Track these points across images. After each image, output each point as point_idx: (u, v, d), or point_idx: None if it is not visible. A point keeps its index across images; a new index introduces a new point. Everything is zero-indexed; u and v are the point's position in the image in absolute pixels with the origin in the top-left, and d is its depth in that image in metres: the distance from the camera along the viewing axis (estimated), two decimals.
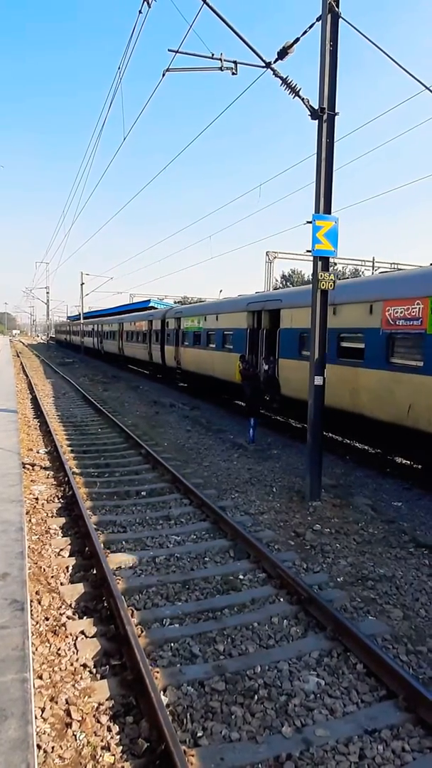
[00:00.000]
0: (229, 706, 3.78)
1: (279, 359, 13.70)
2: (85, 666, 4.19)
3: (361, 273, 47.62)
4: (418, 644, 4.66)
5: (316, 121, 8.06)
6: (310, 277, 8.64)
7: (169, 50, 8.25)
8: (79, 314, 55.10)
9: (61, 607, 5.06)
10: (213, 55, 8.28)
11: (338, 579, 5.85)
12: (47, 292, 66.14)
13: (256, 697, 3.88)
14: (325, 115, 7.97)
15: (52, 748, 3.32)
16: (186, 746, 3.37)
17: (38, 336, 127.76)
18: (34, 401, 18.52)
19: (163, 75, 8.65)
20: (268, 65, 8.08)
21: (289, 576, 5.48)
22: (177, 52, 8.24)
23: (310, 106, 8.02)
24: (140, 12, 8.77)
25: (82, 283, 50.13)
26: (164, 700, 3.74)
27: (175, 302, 48.03)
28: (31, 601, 4.99)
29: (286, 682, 4.05)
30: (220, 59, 8.28)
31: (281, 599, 5.32)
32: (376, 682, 4.08)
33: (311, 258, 8.41)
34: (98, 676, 4.09)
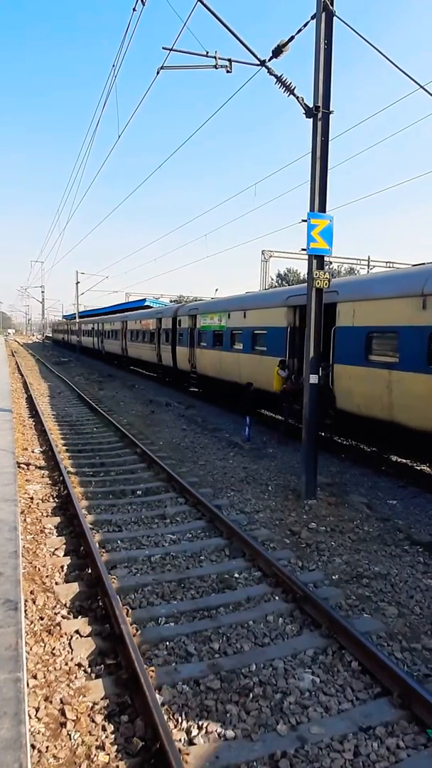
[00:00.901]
0: (225, 705, 3.78)
1: (334, 365, 11.14)
2: (79, 665, 4.18)
3: (356, 271, 47.69)
4: (413, 641, 4.67)
5: (311, 120, 8.06)
6: (305, 276, 8.63)
7: (164, 48, 8.24)
8: (74, 314, 54.92)
9: (55, 606, 5.04)
10: (207, 53, 8.26)
11: (333, 577, 5.85)
12: (42, 291, 65.86)
13: (251, 695, 3.88)
14: (319, 114, 7.97)
15: (47, 747, 3.31)
16: (181, 745, 3.36)
17: (33, 335, 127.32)
18: (29, 400, 18.46)
19: (158, 73, 8.63)
20: (262, 63, 8.08)
21: (285, 574, 5.49)
22: (171, 49, 8.22)
23: (304, 104, 8.01)
24: (134, 10, 8.75)
25: (78, 282, 49.98)
26: (159, 698, 3.73)
27: (170, 301, 47.92)
28: (26, 600, 4.98)
29: (281, 680, 4.05)
30: (215, 57, 8.27)
31: (276, 597, 5.32)
32: (371, 679, 4.09)
33: (306, 257, 8.41)
34: (93, 675, 4.08)
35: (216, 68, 8.32)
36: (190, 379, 21.31)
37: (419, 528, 7.54)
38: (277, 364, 12.64)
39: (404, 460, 11.47)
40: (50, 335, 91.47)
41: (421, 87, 7.97)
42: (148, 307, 38.28)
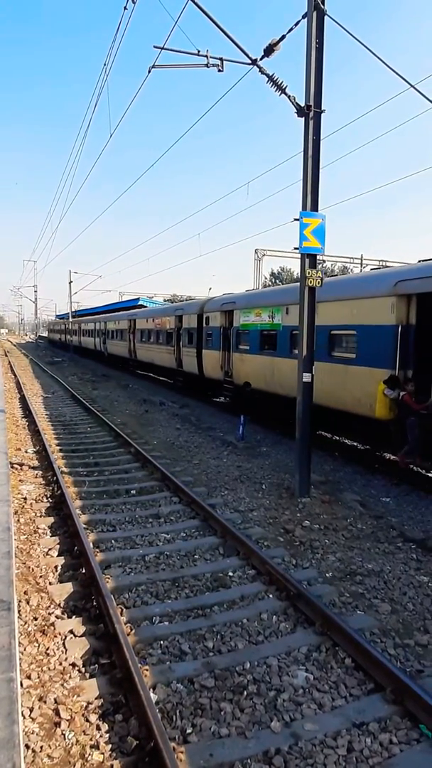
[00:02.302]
0: (219, 703, 3.79)
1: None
2: (73, 665, 4.17)
3: (349, 270, 47.79)
4: (406, 637, 4.70)
5: (303, 119, 8.08)
6: (299, 274, 8.65)
7: (155, 47, 8.23)
8: (67, 313, 54.70)
9: (49, 606, 5.03)
10: (199, 51, 8.27)
11: (327, 574, 5.88)
12: (35, 291, 65.73)
13: (245, 692, 3.90)
14: (311, 113, 7.99)
15: (41, 747, 3.31)
16: (175, 743, 3.37)
17: (26, 335, 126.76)
18: (23, 400, 18.40)
19: (149, 71, 8.62)
20: (254, 62, 8.09)
21: (279, 572, 5.50)
22: (163, 48, 8.22)
23: (296, 103, 8.03)
24: (125, 8, 8.73)
25: (71, 282, 49.84)
26: (153, 697, 3.74)
27: (164, 300, 47.85)
28: (20, 601, 4.97)
29: (275, 678, 4.07)
30: (206, 56, 8.27)
31: (270, 595, 5.33)
32: (365, 675, 4.11)
33: (299, 255, 8.43)
34: (87, 675, 4.08)
35: (207, 67, 8.32)
36: (223, 389, 17.65)
37: (412, 525, 7.59)
38: (383, 381, 9.41)
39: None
40: (45, 335, 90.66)
41: (412, 86, 8.00)
42: (142, 306, 37.87)
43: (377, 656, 4.10)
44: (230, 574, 5.83)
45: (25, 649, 4.28)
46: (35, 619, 4.78)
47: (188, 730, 3.51)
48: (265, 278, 57.12)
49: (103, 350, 37.80)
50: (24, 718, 3.48)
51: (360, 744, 3.41)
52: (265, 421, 14.96)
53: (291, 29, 7.95)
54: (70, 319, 52.73)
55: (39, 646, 4.37)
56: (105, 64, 11.58)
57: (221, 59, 8.36)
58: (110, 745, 3.36)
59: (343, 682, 4.04)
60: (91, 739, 3.41)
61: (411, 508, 8.39)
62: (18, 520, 7.08)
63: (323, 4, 7.79)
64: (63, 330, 60.84)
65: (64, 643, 4.41)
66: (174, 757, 3.11)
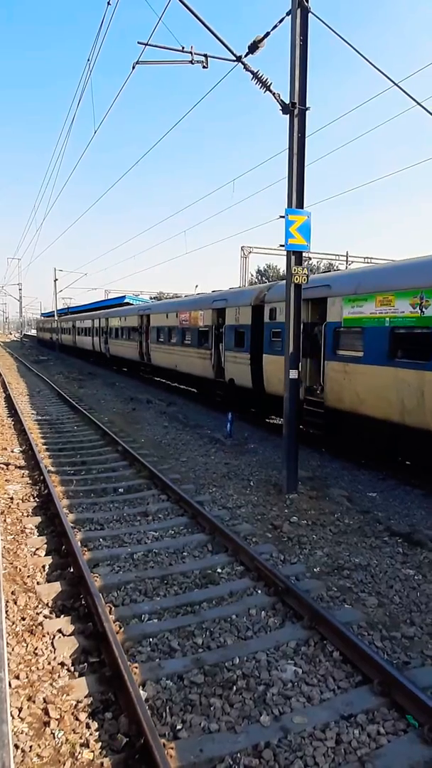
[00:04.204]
0: (208, 698, 3.81)
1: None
2: (62, 664, 4.16)
3: (335, 267, 48.05)
4: (393, 630, 4.76)
5: (288, 116, 8.09)
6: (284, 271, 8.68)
7: (139, 43, 8.18)
8: (53, 311, 54.23)
9: (37, 606, 5.01)
10: (183, 48, 8.23)
11: (315, 569, 5.93)
12: (20, 289, 65.00)
13: (234, 688, 3.92)
14: (296, 110, 8.01)
15: (30, 747, 3.30)
16: (165, 739, 3.38)
17: (11, 333, 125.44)
18: (8, 399, 18.23)
19: (133, 67, 8.57)
20: (238, 59, 8.08)
21: (267, 568, 5.53)
22: (146, 44, 8.17)
23: (281, 100, 8.04)
24: (109, 3, 8.66)
25: (56, 279, 49.45)
26: (143, 694, 3.74)
27: (150, 298, 47.62)
28: (7, 601, 4.94)
29: (264, 672, 4.10)
30: (191, 52, 8.25)
31: (259, 591, 5.36)
32: (352, 668, 4.15)
33: (285, 252, 8.46)
34: (76, 673, 4.07)
35: (192, 63, 8.30)
36: (307, 414, 11.78)
37: (398, 519, 7.68)
38: None
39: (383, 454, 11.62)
40: (31, 334, 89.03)
41: (396, 84, 8.05)
42: (128, 303, 36.96)
43: (365, 649, 4.15)
44: (219, 570, 5.85)
45: (13, 650, 4.26)
46: (23, 619, 4.75)
47: (178, 726, 3.53)
48: (252, 275, 57.20)
49: (104, 351, 32.75)
50: (13, 718, 3.47)
51: (348, 736, 3.45)
52: (257, 419, 15.00)
53: (275, 26, 7.95)
54: (61, 317, 51.50)
55: (27, 646, 4.35)
56: (89, 60, 11.49)
57: (206, 56, 8.34)
58: (100, 743, 3.36)
59: (332, 675, 4.09)
60: (80, 738, 3.40)
61: (397, 503, 8.49)
62: (5, 520, 7.03)
63: (307, 2, 7.81)
64: (54, 329, 54.96)
65: (52, 643, 4.40)
66: (164, 753, 3.12)
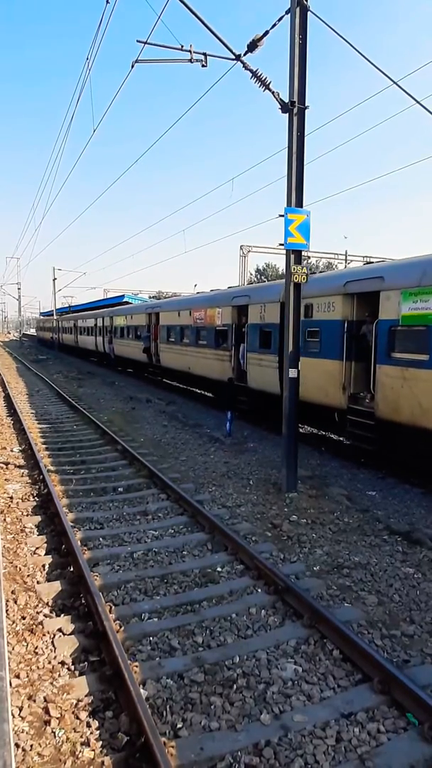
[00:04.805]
0: (209, 697, 3.81)
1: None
2: (63, 663, 4.17)
3: (334, 266, 48.04)
4: (392, 628, 4.77)
5: (287, 115, 8.09)
6: (284, 270, 8.69)
7: (138, 41, 8.17)
8: (52, 310, 54.16)
9: (37, 605, 5.01)
10: (182, 46, 8.23)
11: (315, 568, 5.93)
12: (19, 288, 64.90)
13: (234, 686, 3.92)
14: (295, 109, 8.00)
15: (31, 746, 3.30)
16: (166, 738, 3.38)
17: (9, 333, 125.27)
18: (7, 399, 18.22)
19: (133, 66, 8.56)
20: (237, 57, 8.07)
21: (267, 567, 5.54)
22: (146, 43, 8.16)
23: (280, 99, 8.04)
24: (107, 2, 8.65)
25: (55, 278, 49.42)
26: (143, 693, 3.75)
27: (149, 297, 47.53)
28: (7, 600, 4.94)
29: (264, 671, 4.10)
30: (190, 51, 8.24)
31: (259, 590, 5.37)
32: (352, 666, 4.16)
33: (285, 251, 8.46)
34: (77, 672, 4.07)
35: (191, 62, 8.29)
36: (352, 425, 10.47)
37: (398, 518, 7.69)
38: None
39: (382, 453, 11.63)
40: (30, 333, 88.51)
41: (395, 83, 8.05)
42: (127, 302, 36.45)
43: (364, 647, 4.16)
44: (219, 569, 5.85)
45: (13, 649, 4.27)
46: (23, 618, 4.75)
47: (178, 725, 3.53)
48: (251, 274, 57.20)
49: (107, 352, 31.02)
50: (14, 717, 3.47)
51: (348, 734, 3.46)
52: (256, 419, 14.98)
53: (274, 25, 7.94)
54: (61, 316, 50.93)
55: (27, 645, 4.35)
56: (88, 58, 11.47)
57: (205, 54, 8.33)
58: (101, 742, 3.36)
59: (332, 674, 4.09)
60: (81, 737, 3.41)
61: (396, 501, 8.50)
62: (4, 519, 7.03)
63: (306, 1, 7.80)
64: (55, 328, 53.53)
65: (52, 642, 4.40)
66: (165, 752, 3.12)
